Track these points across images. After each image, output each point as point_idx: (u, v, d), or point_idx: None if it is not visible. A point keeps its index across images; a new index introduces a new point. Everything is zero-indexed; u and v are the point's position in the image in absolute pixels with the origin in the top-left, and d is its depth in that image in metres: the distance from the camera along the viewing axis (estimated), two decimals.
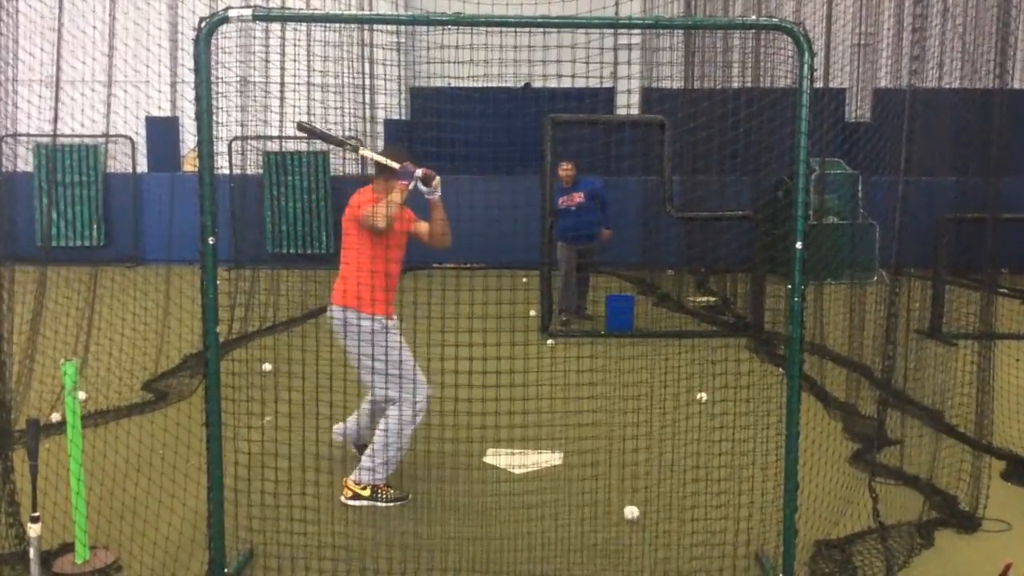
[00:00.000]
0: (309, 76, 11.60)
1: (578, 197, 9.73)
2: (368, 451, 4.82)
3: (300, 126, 4.60)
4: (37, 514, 3.58)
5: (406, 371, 4.76)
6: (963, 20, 9.11)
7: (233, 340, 8.27)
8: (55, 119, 6.80)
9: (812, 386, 6.94)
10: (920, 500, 4.66)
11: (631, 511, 4.67)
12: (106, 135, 14.38)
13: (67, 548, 4.09)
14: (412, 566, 4.03)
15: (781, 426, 3.85)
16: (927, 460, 4.98)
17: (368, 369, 4.73)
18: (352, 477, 4.80)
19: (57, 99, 6.73)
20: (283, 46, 11.41)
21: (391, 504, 4.73)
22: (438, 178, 4.62)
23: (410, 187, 4.60)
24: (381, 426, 4.80)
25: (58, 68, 6.71)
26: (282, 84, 11.74)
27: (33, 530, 3.57)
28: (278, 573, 4.00)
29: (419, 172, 4.57)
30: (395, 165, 4.60)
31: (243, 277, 9.71)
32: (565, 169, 9.71)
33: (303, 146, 14.78)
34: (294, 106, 12.15)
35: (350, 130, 13.82)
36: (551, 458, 5.47)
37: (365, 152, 4.86)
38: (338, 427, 5.30)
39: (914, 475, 4.98)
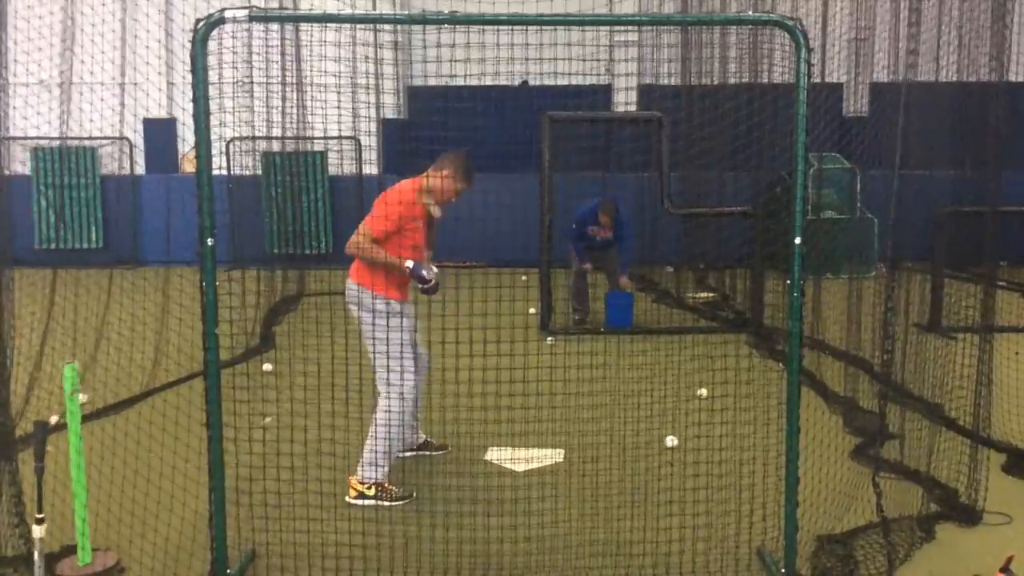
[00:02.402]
0: (306, 76, 11.60)
1: (608, 232, 9.46)
2: (366, 445, 4.83)
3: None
4: (42, 515, 3.58)
5: (393, 354, 4.73)
6: (959, 13, 9.11)
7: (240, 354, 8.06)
8: (62, 120, 6.81)
9: (812, 381, 6.95)
10: (920, 494, 4.67)
11: (671, 440, 5.42)
12: (104, 137, 14.44)
13: (69, 550, 4.09)
14: (414, 564, 4.04)
15: (781, 421, 3.86)
16: (927, 454, 4.99)
17: (370, 350, 4.82)
18: (356, 476, 4.81)
19: (64, 102, 6.74)
20: (282, 45, 11.41)
21: (395, 503, 4.74)
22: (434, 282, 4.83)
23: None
24: (375, 419, 4.81)
25: (62, 70, 6.72)
26: (283, 84, 11.74)
27: (37, 531, 3.57)
28: (281, 573, 4.00)
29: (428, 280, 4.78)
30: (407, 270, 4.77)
31: (246, 278, 9.68)
32: (605, 224, 9.37)
33: (302, 146, 14.79)
34: (292, 106, 12.16)
35: (348, 130, 13.84)
36: (552, 455, 5.47)
37: None
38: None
39: (914, 469, 4.99)
